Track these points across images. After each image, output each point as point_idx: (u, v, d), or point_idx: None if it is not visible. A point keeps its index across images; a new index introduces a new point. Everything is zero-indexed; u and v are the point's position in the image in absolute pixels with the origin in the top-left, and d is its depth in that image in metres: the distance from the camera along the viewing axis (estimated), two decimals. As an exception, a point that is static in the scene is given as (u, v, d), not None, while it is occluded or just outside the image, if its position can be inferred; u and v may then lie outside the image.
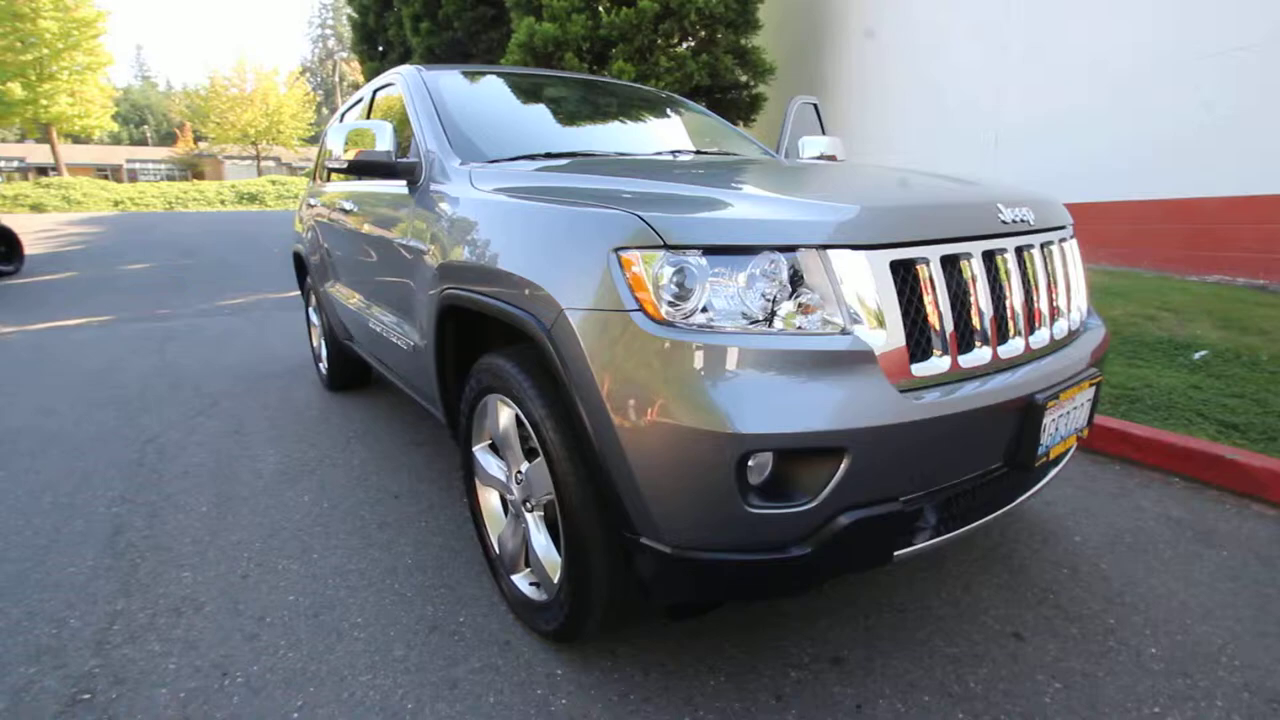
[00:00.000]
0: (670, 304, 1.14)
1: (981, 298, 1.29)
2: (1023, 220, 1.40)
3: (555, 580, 1.45)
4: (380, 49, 13.13)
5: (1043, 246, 1.46)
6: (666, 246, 1.14)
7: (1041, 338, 1.41)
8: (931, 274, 1.22)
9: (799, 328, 1.14)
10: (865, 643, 1.56)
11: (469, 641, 1.60)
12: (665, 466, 1.13)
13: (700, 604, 1.39)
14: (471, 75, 2.54)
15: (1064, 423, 1.39)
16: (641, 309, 1.14)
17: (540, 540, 1.52)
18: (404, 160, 2.04)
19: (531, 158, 1.96)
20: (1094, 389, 1.47)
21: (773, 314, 1.15)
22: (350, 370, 3.69)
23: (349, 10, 13.40)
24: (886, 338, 1.17)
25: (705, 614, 1.57)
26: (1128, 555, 1.89)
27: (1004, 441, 1.30)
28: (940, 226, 1.25)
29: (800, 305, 1.15)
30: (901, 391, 1.15)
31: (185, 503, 2.42)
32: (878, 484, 1.15)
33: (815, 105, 3.69)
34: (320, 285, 3.35)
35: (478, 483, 1.80)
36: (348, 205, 2.64)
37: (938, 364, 1.22)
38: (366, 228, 2.40)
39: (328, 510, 2.33)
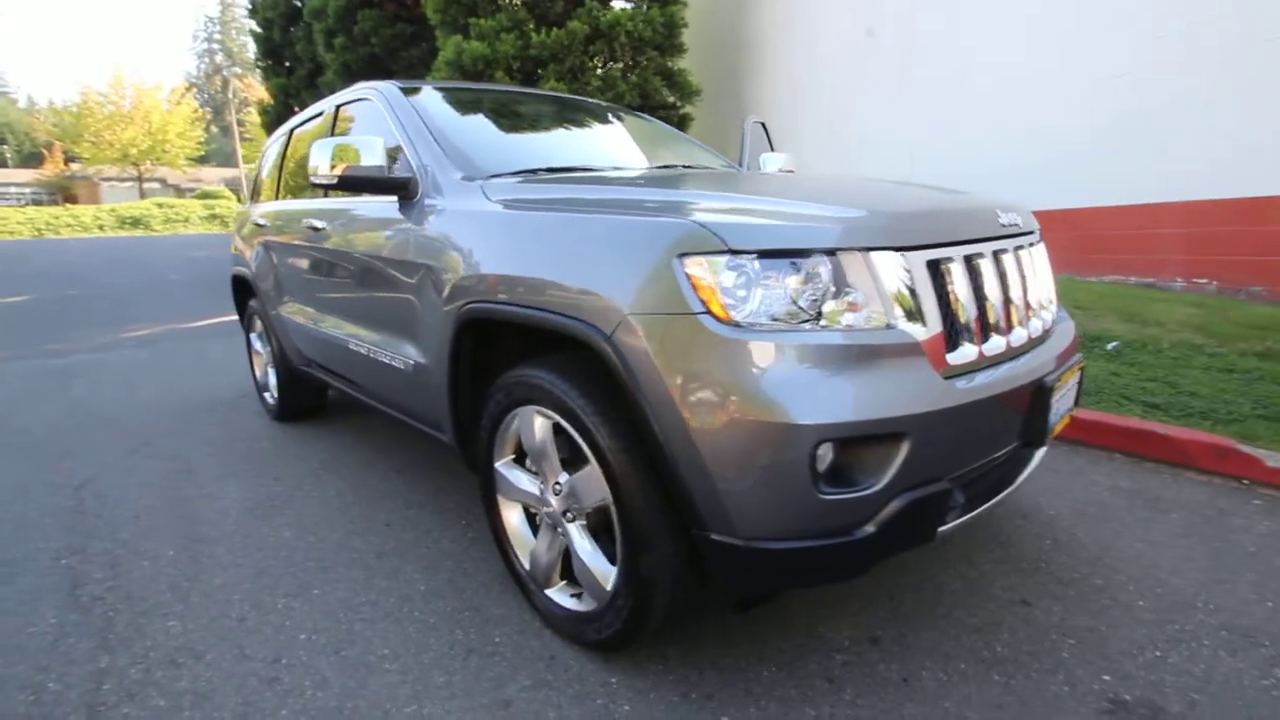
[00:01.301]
0: (735, 305, 1.19)
1: (993, 293, 1.43)
2: (1014, 224, 1.56)
3: (608, 587, 1.45)
4: (287, 65, 12.55)
5: (1028, 248, 1.64)
6: (730, 251, 1.19)
7: (1035, 328, 1.58)
8: (959, 271, 1.34)
9: (847, 325, 1.23)
10: (894, 622, 1.65)
11: (511, 660, 1.57)
12: (741, 461, 1.17)
13: (764, 595, 1.43)
14: (444, 91, 2.51)
15: (1062, 404, 1.55)
16: (708, 311, 1.19)
17: (585, 549, 1.51)
18: (398, 176, 1.99)
19: (533, 172, 1.97)
20: (1080, 373, 1.65)
21: (821, 312, 1.22)
22: (304, 398, 3.49)
23: (251, 24, 12.71)
24: (927, 330, 1.27)
25: (766, 604, 1.62)
26: (1096, 523, 2.10)
27: (1020, 421, 1.44)
28: (961, 229, 1.39)
29: (848, 303, 1.24)
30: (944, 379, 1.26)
31: (147, 548, 2.22)
32: (928, 465, 1.25)
33: (764, 125, 3.89)
34: (273, 309, 3.16)
35: (500, 499, 1.77)
36: (316, 224, 2.53)
37: (968, 352, 1.34)
38: (344, 246, 2.31)
39: (315, 544, 2.20)
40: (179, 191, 34.15)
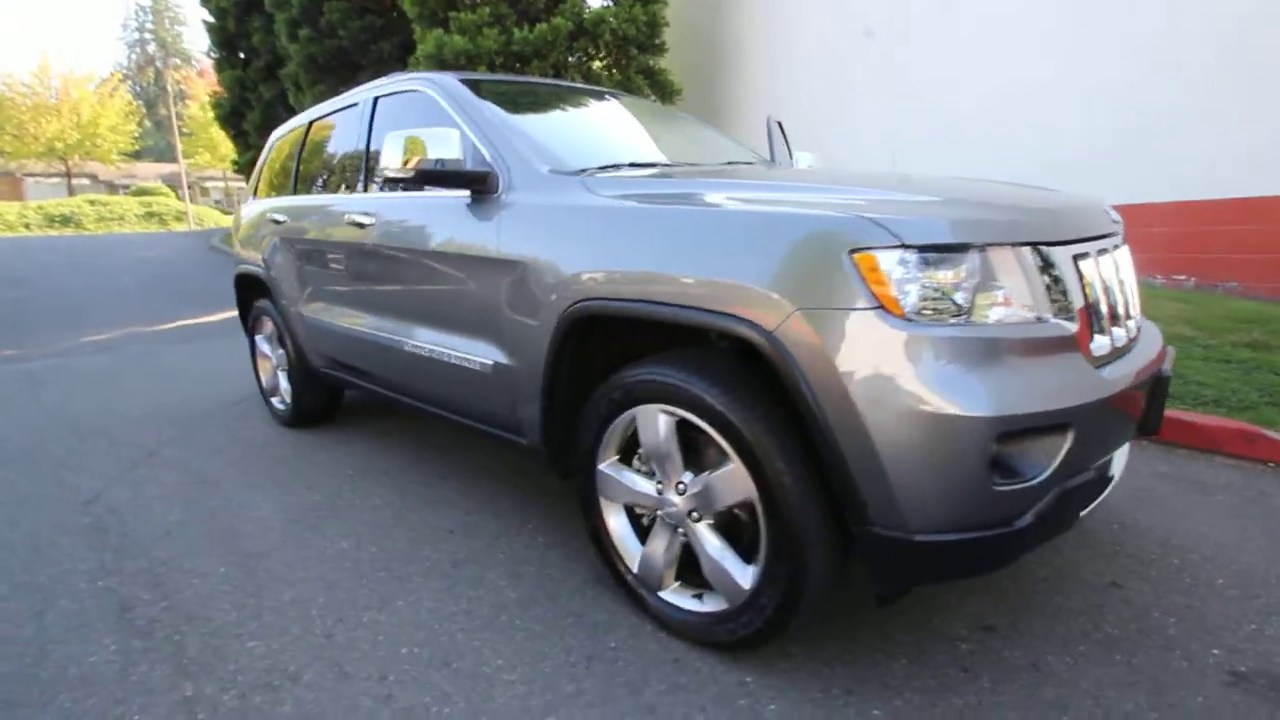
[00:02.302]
0: (906, 300, 1.19)
1: (1114, 286, 1.48)
2: (1117, 222, 1.62)
3: (747, 586, 1.43)
4: (243, 56, 12.02)
5: (1124, 245, 1.70)
6: (903, 246, 1.20)
7: (1136, 321, 1.64)
8: (1093, 266, 1.38)
9: (1009, 319, 1.25)
10: (1003, 611, 1.68)
11: (636, 665, 1.53)
12: (919, 455, 1.18)
13: (905, 589, 1.44)
14: (490, 83, 2.44)
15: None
16: (882, 306, 1.19)
17: (715, 548, 1.49)
18: (477, 169, 1.93)
19: (616, 166, 1.93)
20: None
21: (979, 306, 1.24)
22: (320, 403, 3.34)
23: (204, 14, 12.09)
24: (1075, 323, 1.30)
25: (902, 598, 1.61)
26: (1151, 507, 2.21)
27: (1143, 409, 1.49)
28: (1090, 226, 1.43)
29: (1004, 297, 1.26)
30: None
31: (192, 565, 2.08)
32: (1083, 454, 1.28)
33: (780, 124, 3.93)
34: (294, 308, 3.01)
35: (602, 502, 1.73)
36: (360, 219, 2.42)
37: (1104, 344, 1.38)
38: (400, 242, 2.21)
39: (380, 554, 2.10)
40: (111, 188, 32.17)
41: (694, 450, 1.53)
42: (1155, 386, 1.49)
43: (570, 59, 7.81)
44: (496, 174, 1.92)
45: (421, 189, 2.10)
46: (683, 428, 1.51)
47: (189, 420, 3.63)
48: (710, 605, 1.55)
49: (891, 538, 1.24)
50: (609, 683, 1.48)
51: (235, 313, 3.98)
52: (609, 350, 1.75)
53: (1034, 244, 1.30)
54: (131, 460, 3.05)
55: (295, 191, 3.09)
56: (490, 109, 2.09)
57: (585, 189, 1.70)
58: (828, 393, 1.22)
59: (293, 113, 11.88)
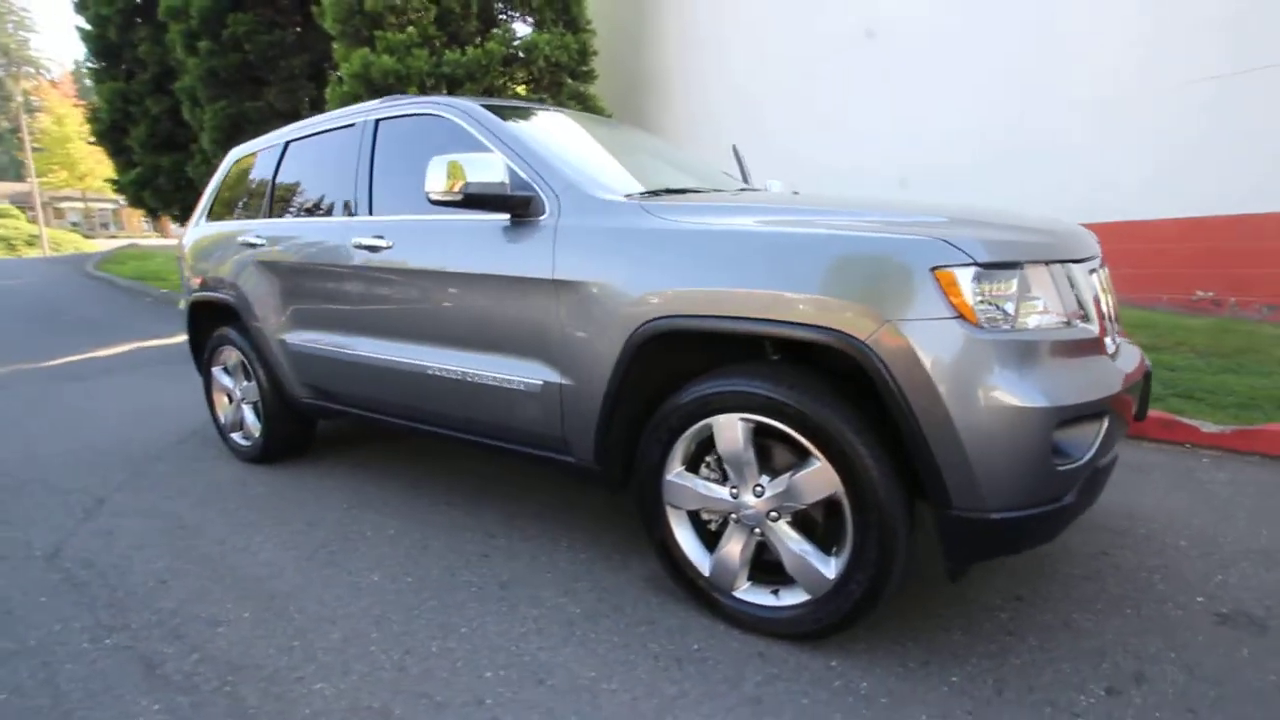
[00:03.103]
0: (979, 310, 1.38)
1: (1107, 297, 1.76)
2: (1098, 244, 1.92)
3: (831, 576, 1.56)
4: (125, 68, 11.06)
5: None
6: (976, 264, 1.39)
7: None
8: (1098, 280, 1.65)
9: (1054, 324, 1.47)
10: (1022, 582, 1.91)
11: (727, 662, 1.61)
12: (997, 443, 1.36)
13: (973, 563, 1.61)
14: (508, 109, 2.48)
15: (1143, 389, 1.92)
16: (960, 316, 1.37)
17: (795, 544, 1.60)
18: (521, 194, 1.97)
19: (657, 193, 2.03)
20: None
21: (1026, 313, 1.45)
22: (296, 436, 3.17)
23: (79, 21, 11.00)
24: (1095, 326, 1.55)
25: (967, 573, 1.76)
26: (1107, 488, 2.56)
27: (1134, 402, 1.77)
28: (1090, 247, 1.70)
29: (1041, 306, 1.48)
30: (1109, 366, 1.55)
31: (210, 614, 1.93)
32: (1110, 437, 1.52)
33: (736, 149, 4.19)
34: (275, 336, 2.85)
35: (669, 511, 1.80)
36: (374, 242, 2.36)
37: (1109, 345, 1.64)
38: (426, 265, 2.19)
39: (418, 584, 2.05)
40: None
41: (763, 455, 1.65)
42: (1145, 381, 1.78)
43: (503, 83, 7.83)
44: (541, 198, 1.97)
45: (460, 212, 2.09)
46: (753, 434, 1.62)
47: (133, 462, 3.31)
48: (788, 599, 1.66)
49: (971, 518, 1.41)
50: (707, 680, 1.55)
51: (132, 346, 3.70)
52: (662, 368, 1.84)
53: (1060, 261, 1.54)
54: (83, 509, 2.76)
55: (272, 214, 2.94)
56: (521, 133, 2.14)
57: (646, 213, 1.80)
58: (918, 393, 1.38)
59: (187, 129, 11.03)
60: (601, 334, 1.79)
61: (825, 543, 1.61)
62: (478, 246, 2.09)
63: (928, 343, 1.37)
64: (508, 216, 2.03)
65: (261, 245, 2.88)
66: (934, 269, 1.38)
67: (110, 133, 11.30)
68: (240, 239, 2.98)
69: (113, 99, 10.90)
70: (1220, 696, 1.44)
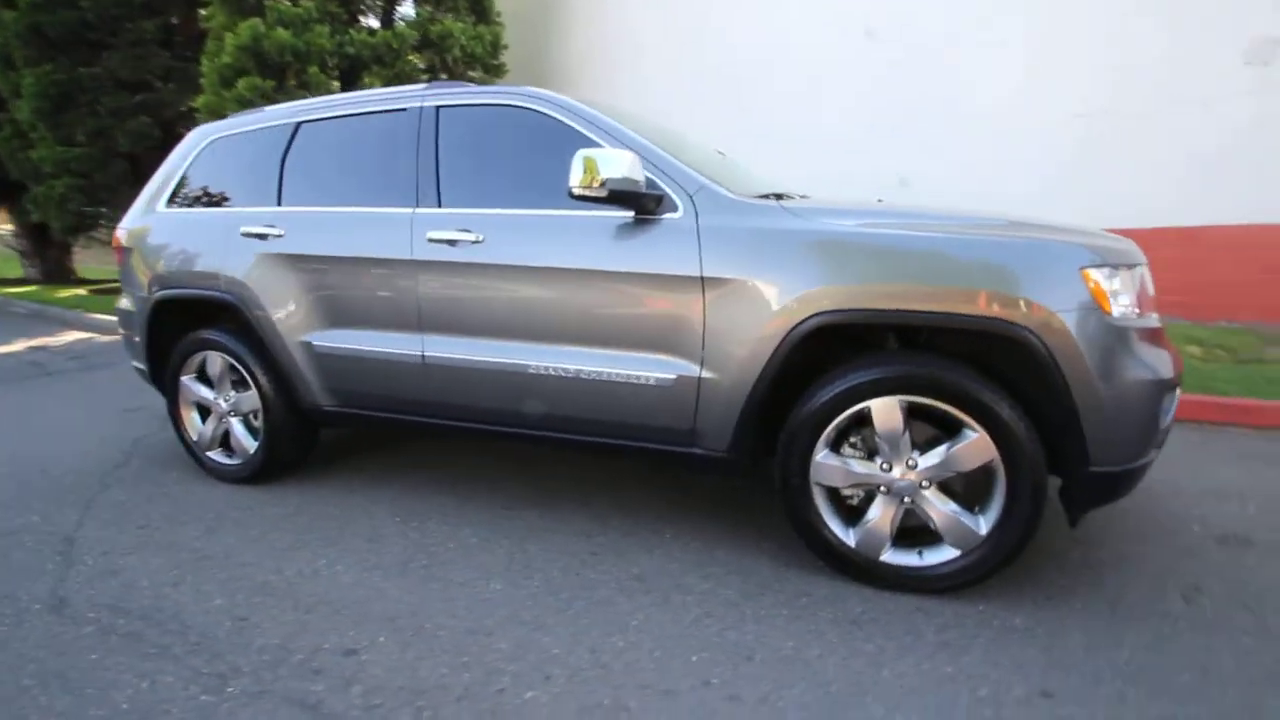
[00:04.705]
0: (1112, 302, 1.70)
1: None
2: None
3: (983, 533, 1.80)
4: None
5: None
6: (1108, 265, 1.70)
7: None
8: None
9: (1146, 313, 1.83)
10: (1071, 538, 2.30)
11: (896, 619, 1.79)
12: (1131, 408, 1.69)
13: (1087, 512, 1.93)
14: (600, 105, 2.44)
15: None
16: (1099, 307, 1.68)
17: (949, 508, 1.82)
18: (653, 192, 2.01)
19: (780, 195, 2.16)
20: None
21: (1134, 305, 1.80)
22: (301, 450, 2.87)
23: None
24: (1158, 319, 1.95)
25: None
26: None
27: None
28: (1141, 254, 2.11)
29: (1128, 300, 1.84)
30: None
31: (336, 644, 1.76)
32: (1173, 406, 1.92)
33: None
34: (297, 337, 2.55)
35: (815, 488, 1.95)
36: (460, 235, 2.23)
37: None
38: (548, 262, 2.12)
39: (549, 587, 2.00)
40: None
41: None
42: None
43: (412, 69, 7.38)
44: (672, 197, 2.03)
45: (572, 207, 2.06)
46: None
47: (74, 492, 2.80)
48: (933, 558, 1.88)
49: (1105, 472, 1.73)
50: (891, 636, 1.72)
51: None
52: (806, 359, 1.97)
53: (1133, 265, 1.91)
54: (55, 552, 2.31)
55: (284, 202, 2.63)
56: (631, 131, 2.16)
57: (792, 215, 1.92)
58: (1072, 369, 1.66)
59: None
60: (756, 327, 1.89)
61: (968, 505, 1.86)
62: (595, 243, 2.09)
63: (1078, 328, 1.66)
64: (630, 214, 2.05)
65: (274, 236, 2.56)
66: (1081, 268, 1.68)
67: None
68: (242, 229, 2.62)
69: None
70: (1254, 595, 1.88)
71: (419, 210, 2.35)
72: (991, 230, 1.81)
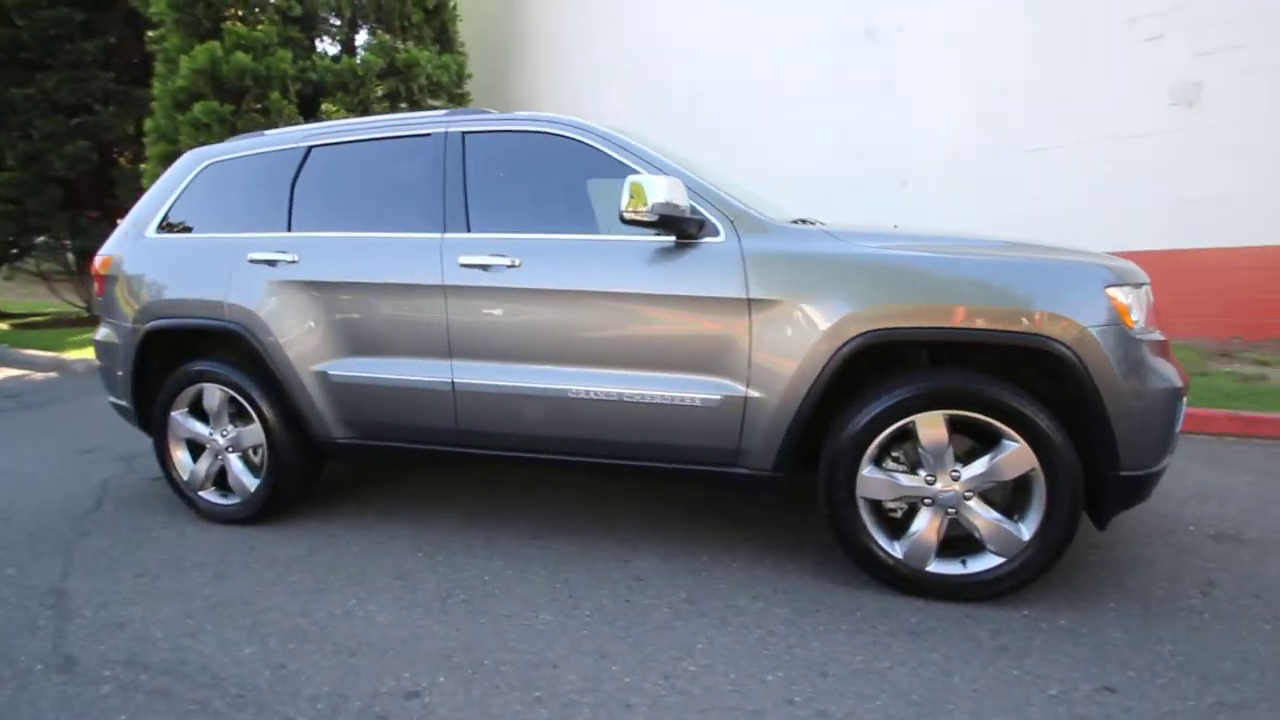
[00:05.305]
0: (1131, 317, 1.85)
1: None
2: None
3: (1026, 538, 1.88)
4: None
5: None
6: (1126, 284, 1.85)
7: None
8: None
9: (1154, 329, 1.99)
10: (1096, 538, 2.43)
11: (951, 627, 1.84)
12: (1155, 415, 1.82)
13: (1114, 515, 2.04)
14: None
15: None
16: (1122, 322, 1.82)
17: (992, 516, 1.90)
18: (696, 216, 2.06)
19: (807, 221, 2.25)
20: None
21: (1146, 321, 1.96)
22: (305, 486, 2.74)
23: None
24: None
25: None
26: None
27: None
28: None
29: (1138, 317, 2.00)
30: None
31: (394, 688, 1.67)
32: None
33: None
34: (311, 366, 2.45)
35: (860, 501, 1.99)
36: (494, 260, 2.21)
37: (1156, 346, 2.24)
38: (590, 286, 2.13)
39: (599, 616, 1.97)
40: None
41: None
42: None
43: (379, 96, 7.29)
44: (713, 222, 2.08)
45: (614, 231, 2.10)
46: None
47: (47, 542, 2.58)
48: (977, 566, 1.95)
49: (1132, 476, 1.85)
50: (951, 642, 1.77)
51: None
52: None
53: (1141, 284, 2.08)
54: (43, 605, 2.12)
55: (294, 227, 2.54)
56: (665, 157, 2.21)
57: (835, 239, 2.01)
58: (1104, 380, 1.78)
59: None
60: (804, 347, 1.95)
61: (1006, 512, 1.94)
62: (637, 267, 2.11)
63: (1107, 342, 1.79)
64: (672, 238, 2.09)
65: (286, 262, 2.47)
66: (1105, 287, 1.82)
67: None
68: (249, 256, 2.51)
69: None
70: (1262, 587, 2.04)
71: (448, 235, 2.32)
72: (1021, 253, 1.94)
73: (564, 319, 2.20)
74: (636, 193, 1.94)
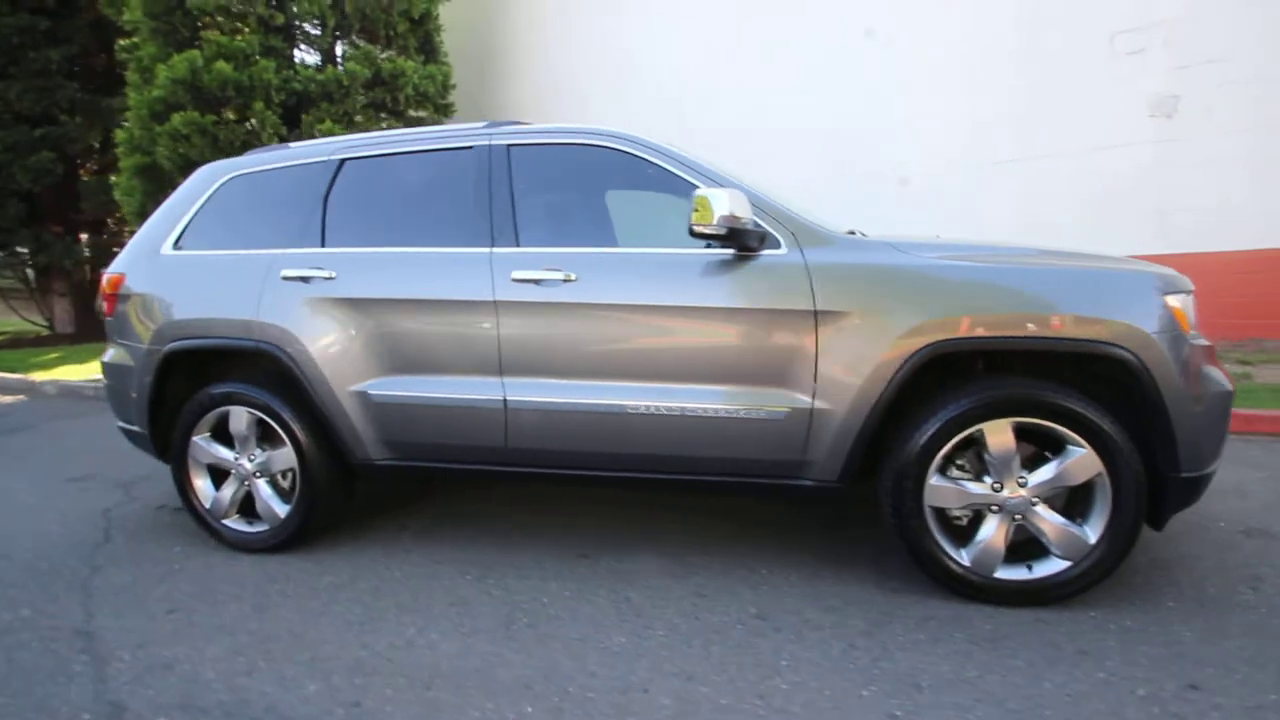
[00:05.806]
0: (1189, 324, 1.91)
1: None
2: None
3: (1092, 541, 1.92)
4: None
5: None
6: (1184, 292, 1.91)
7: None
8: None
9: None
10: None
11: (1027, 633, 1.86)
12: (1213, 417, 1.89)
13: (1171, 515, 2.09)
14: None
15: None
16: (1180, 328, 1.88)
17: (1058, 520, 1.93)
18: (757, 229, 2.06)
19: (856, 233, 2.27)
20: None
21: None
22: (338, 510, 2.65)
23: None
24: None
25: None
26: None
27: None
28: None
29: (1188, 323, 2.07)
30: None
31: None
32: (1226, 416, 2.16)
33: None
34: (350, 386, 2.36)
35: (928, 509, 2.00)
36: (548, 275, 2.17)
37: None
38: (650, 300, 2.12)
39: (673, 636, 1.94)
40: None
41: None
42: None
43: (366, 106, 7.14)
44: (774, 235, 2.09)
45: (676, 246, 2.08)
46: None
47: (60, 578, 2.43)
48: (1043, 570, 1.98)
49: (1191, 477, 1.90)
50: (1032, 649, 1.79)
51: None
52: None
53: (1188, 291, 2.14)
54: (71, 648, 1.99)
55: (328, 243, 2.46)
56: (719, 170, 2.21)
57: (898, 251, 2.03)
58: (1167, 385, 1.83)
59: None
60: (872, 358, 1.96)
61: (1069, 517, 1.98)
62: (699, 280, 2.10)
63: (1168, 347, 1.85)
64: (732, 251, 2.08)
65: (322, 279, 2.38)
66: (1163, 294, 1.88)
67: None
68: (282, 273, 2.42)
69: None
70: (1299, 580, 2.13)
71: (497, 249, 2.27)
72: (1069, 261, 1.99)
73: (623, 333, 2.17)
74: (703, 206, 1.93)
